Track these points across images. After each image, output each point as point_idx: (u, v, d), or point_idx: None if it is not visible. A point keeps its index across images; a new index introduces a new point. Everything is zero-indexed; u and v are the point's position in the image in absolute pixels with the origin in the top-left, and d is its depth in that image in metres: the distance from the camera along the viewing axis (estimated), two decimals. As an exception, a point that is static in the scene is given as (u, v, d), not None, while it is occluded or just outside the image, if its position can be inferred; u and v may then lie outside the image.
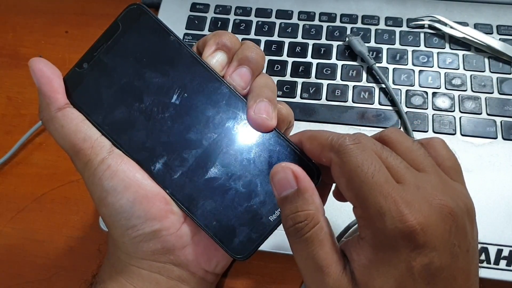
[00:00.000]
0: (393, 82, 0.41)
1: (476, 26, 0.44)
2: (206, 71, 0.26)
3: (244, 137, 0.26)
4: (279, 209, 0.25)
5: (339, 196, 0.25)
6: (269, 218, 0.25)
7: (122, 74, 0.26)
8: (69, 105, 0.26)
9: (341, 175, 0.22)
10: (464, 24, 0.44)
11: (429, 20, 0.45)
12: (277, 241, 0.35)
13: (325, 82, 0.42)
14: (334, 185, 0.27)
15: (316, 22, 0.45)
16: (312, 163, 0.25)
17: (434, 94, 0.40)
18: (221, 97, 0.26)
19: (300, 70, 0.42)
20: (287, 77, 0.42)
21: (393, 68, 0.42)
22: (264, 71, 0.42)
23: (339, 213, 0.34)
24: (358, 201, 0.21)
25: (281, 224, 0.24)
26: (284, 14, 0.46)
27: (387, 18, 0.45)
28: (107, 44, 0.26)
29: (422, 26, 0.45)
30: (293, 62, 0.43)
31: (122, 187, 0.25)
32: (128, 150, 0.26)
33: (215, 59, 0.27)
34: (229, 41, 0.27)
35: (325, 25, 0.45)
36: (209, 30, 0.45)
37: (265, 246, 0.35)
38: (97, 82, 0.26)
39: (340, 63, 0.43)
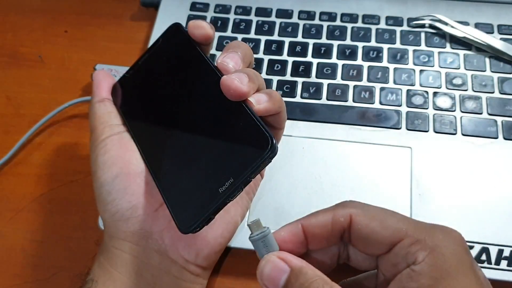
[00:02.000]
0: (394, 82, 0.41)
1: (477, 26, 0.44)
2: (214, 77, 0.27)
3: (212, 110, 0.27)
4: (229, 180, 0.24)
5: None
6: (219, 189, 0.24)
7: (152, 78, 0.32)
8: (108, 100, 0.32)
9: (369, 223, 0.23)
10: (465, 23, 0.44)
11: (429, 20, 0.44)
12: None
13: (325, 82, 0.41)
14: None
15: (317, 21, 0.45)
16: (267, 132, 0.24)
17: (435, 93, 0.40)
18: (223, 97, 0.26)
19: (300, 70, 0.42)
20: (287, 77, 0.42)
21: (394, 68, 0.42)
22: (264, 70, 0.43)
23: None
24: (400, 236, 0.22)
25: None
26: (284, 13, 0.46)
27: (387, 18, 0.45)
28: (149, 54, 0.32)
29: (422, 26, 0.44)
30: (293, 62, 0.43)
31: (110, 163, 0.28)
32: (134, 131, 0.30)
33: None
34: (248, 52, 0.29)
35: (325, 24, 0.45)
36: (209, 30, 0.45)
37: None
38: (134, 83, 0.32)
39: (340, 63, 0.42)
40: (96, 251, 0.31)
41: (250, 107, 0.25)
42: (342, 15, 0.45)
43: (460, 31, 0.43)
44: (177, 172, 0.27)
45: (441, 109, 0.40)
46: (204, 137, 0.27)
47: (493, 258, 0.33)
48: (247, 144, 0.24)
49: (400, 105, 0.40)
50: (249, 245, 0.36)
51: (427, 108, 0.40)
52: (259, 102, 0.26)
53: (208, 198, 0.24)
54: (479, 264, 0.33)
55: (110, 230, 0.29)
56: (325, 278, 0.21)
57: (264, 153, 0.23)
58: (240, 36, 0.45)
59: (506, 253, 0.33)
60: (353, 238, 0.23)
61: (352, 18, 0.45)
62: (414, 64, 0.42)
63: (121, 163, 0.28)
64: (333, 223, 0.23)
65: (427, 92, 0.40)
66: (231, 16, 0.46)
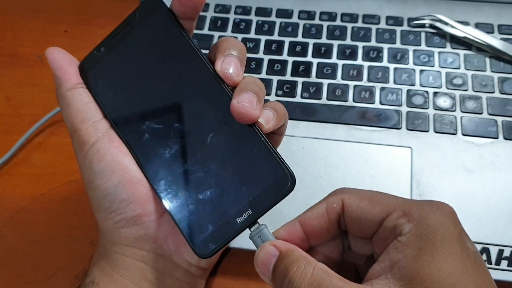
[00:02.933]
0: (394, 82, 0.41)
1: (477, 26, 0.44)
2: (204, 67, 0.26)
3: (227, 134, 0.26)
4: (247, 212, 0.25)
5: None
6: (236, 219, 0.25)
7: (131, 61, 0.28)
8: (81, 85, 0.28)
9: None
10: (465, 23, 0.44)
11: (430, 20, 0.44)
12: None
13: (325, 82, 0.41)
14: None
15: (317, 21, 0.45)
16: (287, 167, 0.25)
17: (435, 93, 0.40)
18: (214, 93, 0.26)
19: (300, 70, 0.42)
20: (287, 77, 0.42)
21: (394, 68, 0.42)
22: (264, 70, 0.42)
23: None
24: (388, 211, 0.22)
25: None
26: (284, 13, 0.46)
27: (388, 18, 0.45)
28: (124, 31, 0.28)
29: (423, 26, 0.44)
30: (294, 62, 0.43)
31: (108, 171, 0.26)
32: (122, 132, 0.27)
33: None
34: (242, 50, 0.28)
35: (325, 24, 0.45)
36: (208, 29, 0.45)
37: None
38: (109, 65, 0.28)
39: (340, 63, 0.42)
40: (92, 252, 0.30)
41: (261, 130, 0.25)
42: (342, 15, 0.45)
43: (460, 31, 0.43)
44: (186, 193, 0.26)
45: (441, 109, 0.39)
46: (213, 156, 0.26)
47: (493, 258, 0.33)
48: (266, 177, 0.25)
49: (400, 105, 0.40)
50: (248, 246, 0.36)
51: (427, 108, 0.40)
52: (268, 121, 0.25)
53: (226, 226, 0.25)
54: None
55: (112, 237, 0.28)
56: (309, 259, 0.22)
57: (285, 189, 0.24)
58: (240, 36, 0.45)
59: (507, 253, 0.33)
60: (347, 221, 0.24)
61: (352, 18, 0.45)
62: (414, 64, 0.42)
63: (121, 170, 0.26)
64: (328, 212, 0.24)
65: (427, 92, 0.40)
66: (231, 16, 0.46)
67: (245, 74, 0.27)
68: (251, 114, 0.24)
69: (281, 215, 0.36)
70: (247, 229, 0.25)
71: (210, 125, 0.26)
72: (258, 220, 0.25)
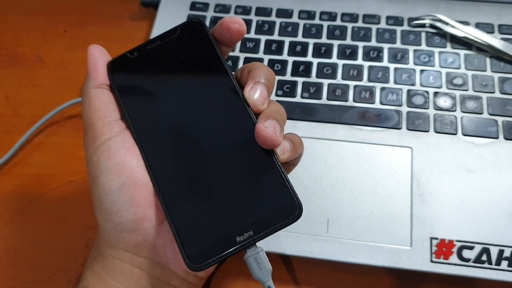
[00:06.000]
0: (394, 82, 0.41)
1: (478, 26, 0.44)
2: (232, 89, 0.27)
3: (244, 154, 0.26)
4: (249, 232, 0.24)
5: None
6: (236, 238, 0.24)
7: (162, 70, 0.29)
8: (106, 87, 0.29)
9: None
10: (466, 23, 0.44)
11: (430, 19, 0.44)
12: (276, 242, 0.34)
13: (325, 82, 0.41)
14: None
15: (317, 21, 0.45)
16: (297, 197, 0.25)
17: (435, 93, 0.40)
18: (238, 114, 0.27)
19: (300, 70, 0.42)
20: (288, 77, 0.42)
21: (394, 68, 0.42)
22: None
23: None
24: None
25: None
26: (284, 13, 0.46)
27: (388, 17, 0.45)
28: (161, 42, 0.29)
29: (423, 25, 0.44)
30: (294, 62, 0.43)
31: (115, 170, 0.26)
32: (138, 134, 0.28)
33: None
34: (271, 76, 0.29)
35: (325, 24, 0.45)
36: (209, 29, 0.45)
37: (267, 248, 0.34)
38: (140, 70, 0.29)
39: (341, 62, 0.42)
40: (88, 255, 0.30)
41: (277, 158, 0.26)
42: (343, 14, 0.45)
43: (460, 31, 0.43)
44: (190, 203, 0.26)
45: (442, 109, 0.39)
46: (224, 171, 0.26)
47: (494, 258, 0.33)
48: (274, 202, 0.25)
49: (400, 105, 0.40)
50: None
51: (427, 108, 0.40)
52: (284, 151, 0.26)
53: (223, 242, 0.24)
54: (479, 265, 0.33)
55: (109, 240, 0.27)
56: None
57: (291, 218, 0.24)
58: (240, 36, 0.44)
59: (507, 253, 0.33)
60: None
61: (353, 17, 0.45)
62: (415, 64, 0.42)
63: (128, 172, 0.26)
64: None
65: (427, 92, 0.40)
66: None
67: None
68: (274, 139, 0.25)
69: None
70: (244, 249, 0.24)
71: (228, 143, 0.26)
72: (256, 243, 0.25)
